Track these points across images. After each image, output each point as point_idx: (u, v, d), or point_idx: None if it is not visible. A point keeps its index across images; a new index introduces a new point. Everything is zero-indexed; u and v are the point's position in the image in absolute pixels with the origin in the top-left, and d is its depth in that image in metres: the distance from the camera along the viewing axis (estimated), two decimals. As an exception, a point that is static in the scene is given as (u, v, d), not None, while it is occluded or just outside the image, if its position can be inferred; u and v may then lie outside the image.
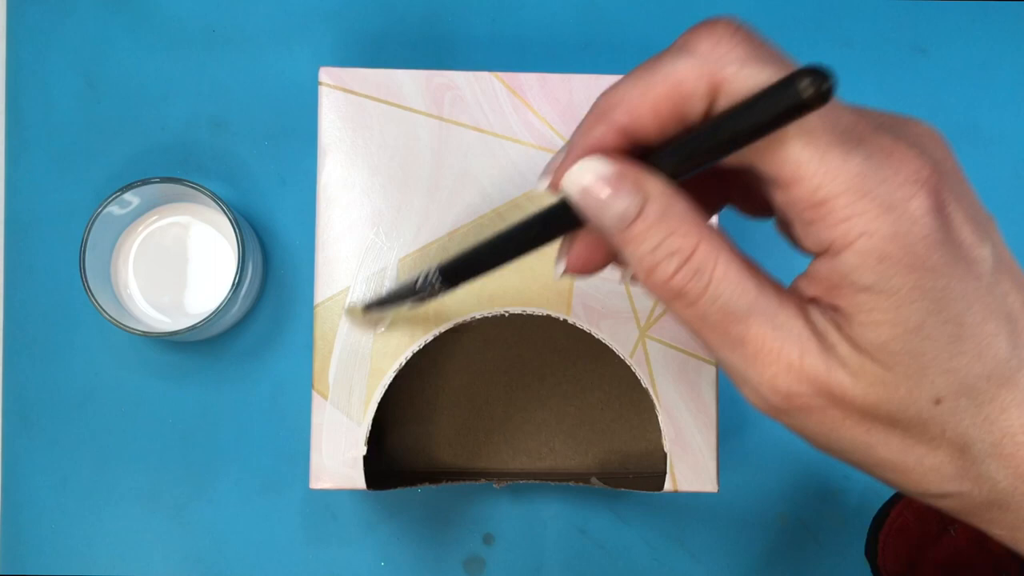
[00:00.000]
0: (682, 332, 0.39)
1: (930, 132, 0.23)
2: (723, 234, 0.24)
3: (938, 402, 0.23)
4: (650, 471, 0.40)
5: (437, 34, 0.48)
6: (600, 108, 0.23)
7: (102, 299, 0.42)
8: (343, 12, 0.48)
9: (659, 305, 0.39)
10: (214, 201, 0.42)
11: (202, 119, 0.48)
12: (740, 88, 0.22)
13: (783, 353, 0.23)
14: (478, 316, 0.38)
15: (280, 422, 0.47)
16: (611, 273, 0.39)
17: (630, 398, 0.45)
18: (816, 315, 0.23)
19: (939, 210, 0.22)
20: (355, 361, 0.38)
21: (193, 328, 0.42)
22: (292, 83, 0.48)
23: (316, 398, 0.38)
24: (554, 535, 0.47)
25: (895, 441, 0.24)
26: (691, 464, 0.38)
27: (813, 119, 0.21)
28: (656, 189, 0.23)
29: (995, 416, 0.23)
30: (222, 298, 0.42)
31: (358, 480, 0.38)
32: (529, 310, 0.38)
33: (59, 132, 0.48)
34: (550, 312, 0.38)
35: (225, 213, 0.42)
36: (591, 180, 0.23)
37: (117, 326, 0.42)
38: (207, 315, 0.42)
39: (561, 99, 0.39)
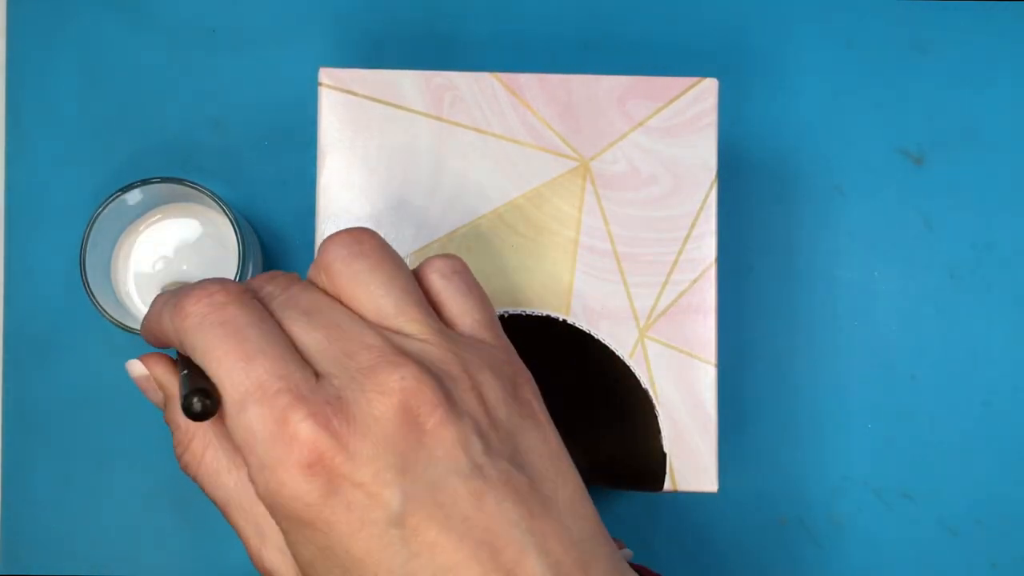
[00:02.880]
0: (682, 333, 0.39)
1: (390, 388, 0.25)
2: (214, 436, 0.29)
3: None
4: (650, 471, 0.40)
5: (437, 35, 0.48)
6: (151, 312, 0.30)
7: (102, 299, 0.42)
8: (343, 12, 0.48)
9: (659, 305, 0.39)
10: (214, 201, 0.42)
11: (202, 119, 0.48)
12: (187, 352, 0.28)
13: (251, 541, 0.29)
14: (478, 316, 0.38)
15: (280, 422, 0.47)
16: (611, 274, 0.39)
17: (630, 398, 0.45)
18: (262, 519, 0.29)
19: (313, 471, 0.24)
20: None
21: (193, 328, 0.42)
22: (292, 83, 0.48)
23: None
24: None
25: None
26: (691, 464, 0.38)
27: None
28: (173, 390, 0.30)
29: None
30: (222, 298, 0.42)
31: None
32: (528, 310, 0.38)
33: (59, 132, 0.48)
34: (549, 312, 0.38)
35: (225, 213, 0.42)
36: (137, 375, 0.31)
37: (117, 326, 0.42)
38: (207, 315, 0.42)
39: (561, 100, 0.39)
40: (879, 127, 0.49)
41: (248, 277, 0.43)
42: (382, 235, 0.38)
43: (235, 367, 0.25)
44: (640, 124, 0.39)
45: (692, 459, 0.38)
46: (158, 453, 0.47)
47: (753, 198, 0.48)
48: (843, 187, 0.49)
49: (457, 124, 0.39)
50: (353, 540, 0.24)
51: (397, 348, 0.26)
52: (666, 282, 0.39)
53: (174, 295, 0.28)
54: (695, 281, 0.39)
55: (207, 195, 0.42)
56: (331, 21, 0.48)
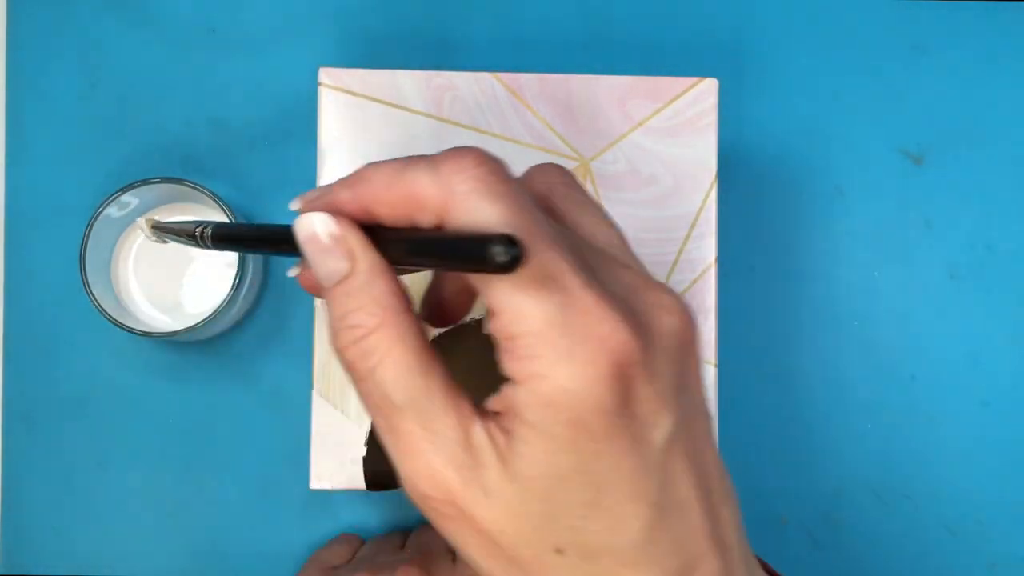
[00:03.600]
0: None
1: (670, 304, 0.24)
2: (415, 323, 0.25)
3: (559, 551, 0.24)
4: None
5: (437, 35, 0.48)
6: (352, 178, 0.25)
7: (102, 299, 0.42)
8: (343, 12, 0.48)
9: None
10: (214, 201, 0.42)
11: (202, 119, 0.48)
12: (460, 216, 0.23)
13: (426, 456, 0.24)
14: (478, 317, 0.38)
15: (280, 422, 0.47)
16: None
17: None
18: (478, 431, 0.24)
19: (618, 380, 0.22)
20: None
21: (193, 328, 0.42)
22: (292, 83, 0.48)
23: (316, 398, 0.38)
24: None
25: (506, 568, 0.25)
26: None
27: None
28: (365, 264, 0.25)
29: None
30: (222, 298, 0.42)
31: (358, 480, 0.38)
32: (529, 310, 0.38)
33: (59, 132, 0.48)
34: (550, 312, 0.38)
35: (225, 213, 0.42)
36: (316, 232, 0.25)
37: (117, 326, 0.42)
38: (207, 315, 0.42)
39: (560, 100, 0.39)
40: (879, 127, 0.49)
41: (248, 277, 0.43)
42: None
43: (536, 244, 0.22)
44: (640, 124, 0.39)
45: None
46: (158, 453, 0.47)
47: (753, 198, 0.48)
48: (843, 187, 0.49)
49: (457, 124, 0.39)
50: (623, 458, 0.23)
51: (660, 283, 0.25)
52: (666, 282, 0.39)
53: (426, 157, 0.24)
54: (695, 281, 0.39)
55: (207, 195, 0.42)
56: (331, 21, 0.48)
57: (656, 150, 0.39)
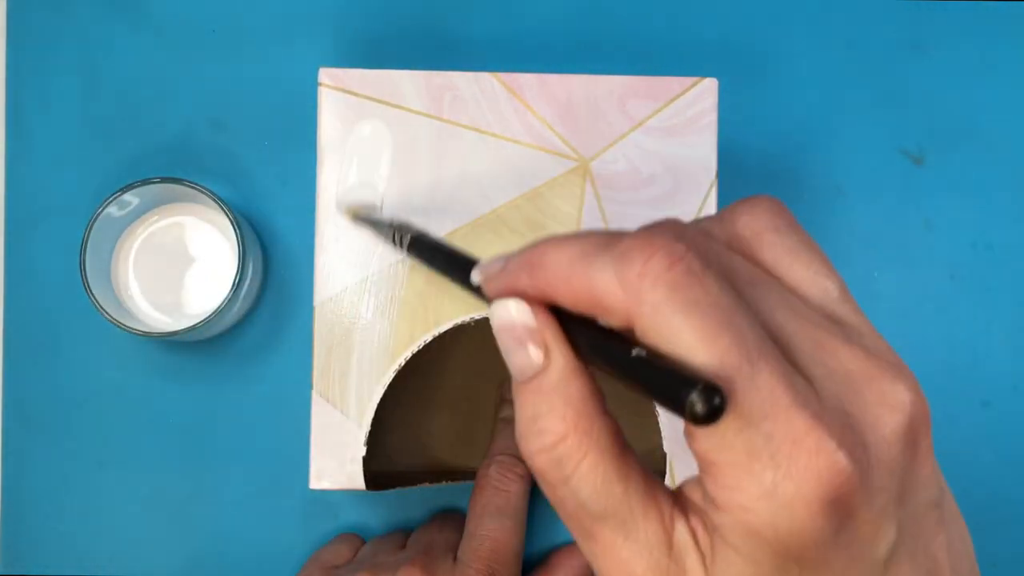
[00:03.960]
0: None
1: (894, 400, 0.22)
2: (610, 425, 0.23)
3: None
4: (650, 471, 0.40)
5: (436, 35, 0.48)
6: (530, 260, 0.23)
7: (102, 299, 0.42)
8: (343, 12, 0.48)
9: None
10: (214, 201, 0.42)
11: (202, 119, 0.48)
12: (651, 334, 0.21)
13: (629, 564, 0.23)
14: (478, 316, 0.38)
15: (280, 422, 0.47)
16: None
17: (629, 398, 0.45)
18: (680, 533, 0.23)
19: (832, 512, 0.20)
20: (355, 361, 0.38)
21: (193, 328, 0.42)
22: (292, 83, 0.48)
23: (316, 398, 0.38)
24: (553, 537, 0.47)
25: None
26: (691, 464, 0.38)
27: None
28: (560, 362, 0.23)
29: None
30: (222, 298, 0.42)
31: (358, 480, 0.38)
32: (529, 310, 0.38)
33: (59, 132, 0.48)
34: (550, 312, 0.38)
35: (225, 213, 0.42)
36: (511, 322, 0.23)
37: (117, 326, 0.42)
38: (207, 315, 0.42)
39: (560, 99, 0.39)
40: (879, 127, 0.49)
41: (248, 277, 0.43)
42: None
43: (739, 367, 0.20)
44: (640, 124, 0.39)
45: (692, 459, 0.38)
46: (158, 453, 0.47)
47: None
48: (843, 187, 0.49)
49: (457, 124, 0.39)
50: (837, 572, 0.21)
51: (883, 351, 0.23)
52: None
53: (613, 241, 0.22)
54: (695, 281, 0.39)
55: (207, 195, 0.42)
56: (331, 21, 0.48)
57: (656, 150, 0.39)
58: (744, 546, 0.21)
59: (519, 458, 0.42)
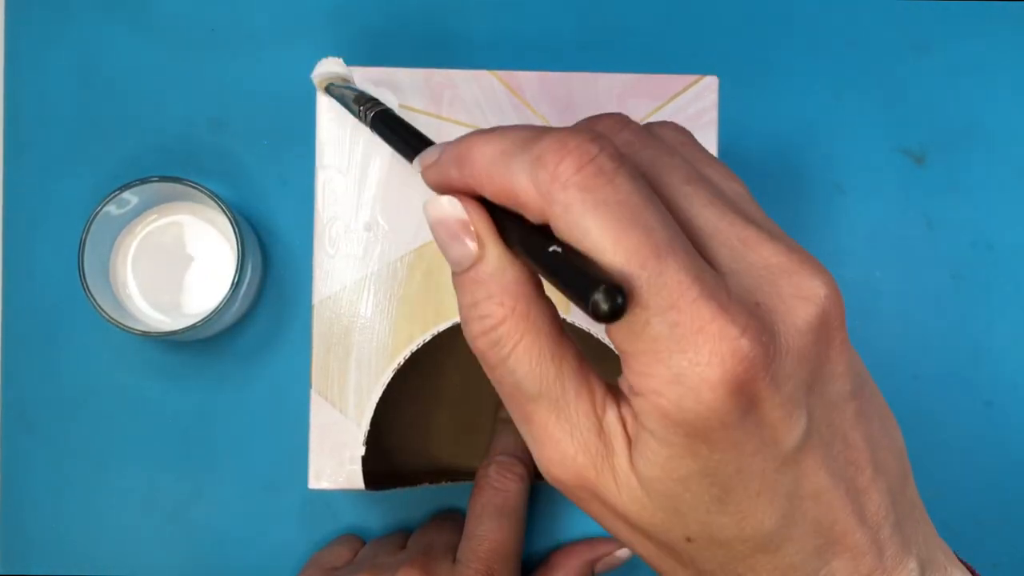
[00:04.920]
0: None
1: (808, 291, 0.23)
2: (547, 309, 0.24)
3: (689, 540, 0.24)
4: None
5: (436, 33, 0.48)
6: (459, 154, 0.24)
7: (101, 299, 0.42)
8: (343, 11, 0.48)
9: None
10: (213, 200, 0.42)
11: (201, 118, 0.48)
12: (562, 230, 0.22)
13: (560, 444, 0.24)
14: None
15: (280, 422, 0.47)
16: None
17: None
18: (610, 419, 0.24)
19: (738, 396, 0.21)
20: (354, 361, 0.38)
21: (192, 328, 0.42)
22: (292, 83, 0.48)
23: (315, 398, 0.38)
24: (552, 537, 0.47)
25: (649, 547, 0.25)
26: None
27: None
28: (493, 252, 0.24)
29: (743, 572, 0.24)
30: (221, 298, 0.42)
31: (357, 480, 0.38)
32: (528, 309, 0.38)
33: (57, 131, 0.47)
34: (549, 311, 0.38)
35: (224, 213, 0.42)
36: (445, 216, 0.24)
37: (116, 326, 0.42)
38: (206, 315, 0.42)
39: (560, 98, 0.39)
40: (880, 126, 0.49)
41: (247, 277, 0.43)
42: (380, 235, 0.38)
43: (644, 263, 0.21)
44: (640, 122, 0.39)
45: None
46: (157, 453, 0.47)
47: (753, 197, 0.48)
48: (844, 186, 0.49)
49: (456, 122, 0.39)
50: (749, 461, 0.22)
51: (801, 250, 0.23)
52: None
53: (530, 141, 0.23)
54: (695, 280, 0.39)
55: (206, 195, 0.42)
56: (331, 20, 0.48)
57: (656, 148, 0.39)
58: (659, 429, 0.22)
59: (519, 458, 0.42)
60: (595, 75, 0.39)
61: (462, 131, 0.38)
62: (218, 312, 0.42)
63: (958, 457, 0.48)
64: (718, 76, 0.39)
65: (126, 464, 0.47)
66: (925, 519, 0.26)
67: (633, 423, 0.23)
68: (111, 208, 0.43)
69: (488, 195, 0.24)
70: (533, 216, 0.23)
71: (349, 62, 0.40)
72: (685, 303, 0.21)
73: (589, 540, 0.46)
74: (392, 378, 0.38)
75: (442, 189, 0.25)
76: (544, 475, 0.25)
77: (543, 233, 0.23)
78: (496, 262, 0.24)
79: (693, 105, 0.39)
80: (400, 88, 0.39)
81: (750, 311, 0.22)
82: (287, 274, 0.47)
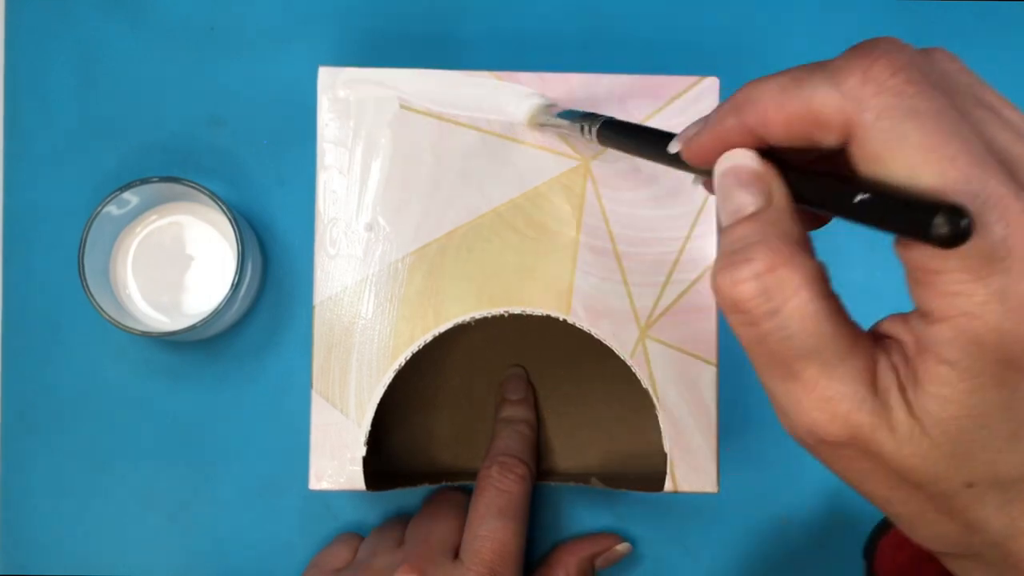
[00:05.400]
0: (682, 332, 0.39)
1: None
2: (822, 271, 0.23)
3: (970, 485, 0.23)
4: (650, 471, 0.40)
5: (436, 34, 0.48)
6: (737, 101, 0.24)
7: (101, 299, 0.42)
8: (342, 12, 0.48)
9: (660, 305, 0.39)
10: (213, 201, 0.42)
11: (201, 118, 0.48)
12: (877, 145, 0.21)
13: (832, 403, 0.23)
14: (478, 316, 0.38)
15: (280, 422, 0.47)
16: (612, 273, 0.39)
17: (630, 398, 0.45)
18: (884, 370, 0.23)
19: None
20: (355, 362, 0.38)
21: (192, 328, 0.42)
22: (292, 83, 0.48)
23: (316, 398, 0.38)
24: (553, 536, 0.47)
25: (915, 502, 0.24)
26: (691, 464, 0.38)
27: None
28: (781, 201, 0.23)
29: (1017, 515, 0.23)
30: (221, 298, 0.42)
31: (358, 480, 0.38)
32: (529, 310, 0.38)
33: (57, 131, 0.47)
34: (550, 312, 0.38)
35: (224, 213, 0.42)
36: (739, 164, 0.23)
37: (116, 326, 0.42)
38: (206, 315, 0.42)
39: (561, 98, 0.39)
40: (879, 127, 0.49)
41: (247, 277, 0.43)
42: (381, 235, 0.38)
43: (969, 175, 0.20)
44: (640, 123, 0.39)
45: (692, 459, 0.38)
46: (158, 453, 0.47)
47: None
48: (843, 187, 0.49)
49: (456, 123, 0.39)
50: None
51: None
52: (667, 282, 0.39)
53: (819, 65, 0.22)
54: (696, 281, 0.39)
55: (207, 195, 0.42)
56: (331, 21, 0.48)
57: (656, 149, 0.39)
58: (964, 358, 0.21)
59: (520, 459, 0.42)
60: (595, 76, 0.39)
61: (462, 132, 0.39)
62: (218, 312, 0.42)
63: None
64: (718, 77, 0.39)
65: (126, 464, 0.47)
66: None
67: (907, 371, 0.22)
68: (111, 208, 0.43)
69: (777, 130, 0.23)
70: (833, 137, 0.22)
71: (349, 62, 0.41)
72: (1011, 217, 0.20)
73: (590, 535, 0.46)
74: (393, 379, 0.38)
75: (716, 151, 0.24)
76: (803, 436, 0.24)
77: (839, 184, 0.22)
78: (780, 211, 0.23)
79: (694, 106, 0.39)
80: (400, 88, 0.39)
81: None
82: (287, 274, 0.47)
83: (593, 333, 0.38)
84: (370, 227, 0.38)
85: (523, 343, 0.46)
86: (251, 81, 0.48)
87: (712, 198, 0.39)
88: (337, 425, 0.38)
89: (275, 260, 0.47)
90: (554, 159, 0.39)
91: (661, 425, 0.38)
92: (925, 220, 0.19)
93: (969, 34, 0.49)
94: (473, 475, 0.42)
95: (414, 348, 0.38)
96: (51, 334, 0.47)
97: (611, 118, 0.33)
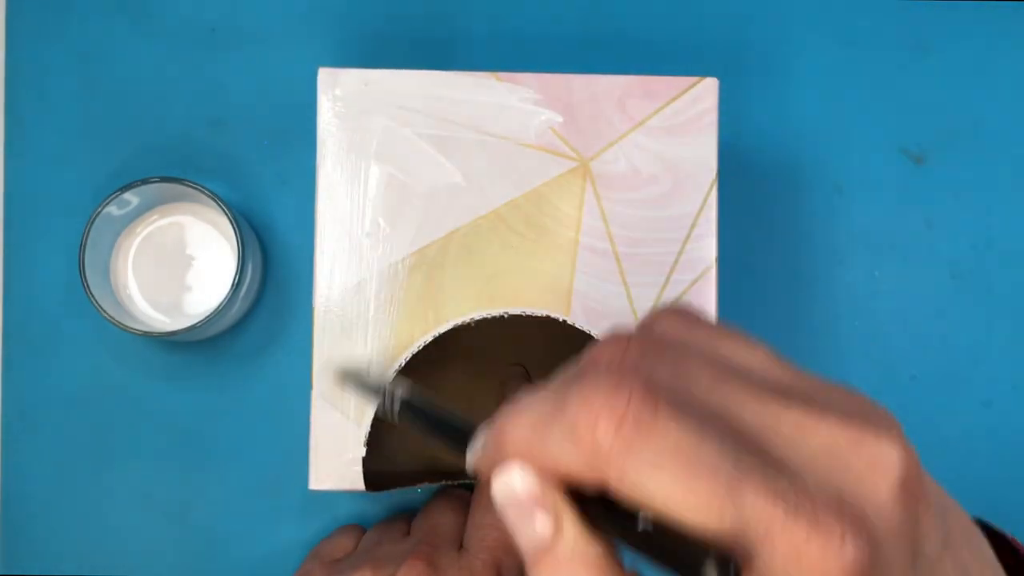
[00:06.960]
0: (682, 332, 0.39)
1: (884, 459, 0.21)
2: None
3: None
4: None
5: (436, 35, 0.48)
6: (500, 437, 0.23)
7: (101, 299, 0.42)
8: (343, 12, 0.48)
9: (659, 305, 0.39)
10: (213, 201, 0.42)
11: (202, 119, 0.48)
12: (628, 491, 0.20)
13: None
14: (478, 316, 0.38)
15: (280, 422, 0.47)
16: (611, 274, 0.39)
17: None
18: None
19: None
20: (355, 362, 0.38)
21: (192, 328, 0.42)
22: (292, 83, 0.48)
23: (316, 398, 0.38)
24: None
25: None
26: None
27: None
28: (572, 530, 0.22)
29: None
30: (222, 298, 0.42)
31: (358, 481, 0.38)
32: (529, 310, 0.38)
33: (58, 131, 0.47)
34: (550, 312, 0.38)
35: (225, 213, 0.42)
36: (514, 494, 0.22)
37: (116, 326, 0.42)
38: (207, 315, 0.42)
39: (561, 99, 0.39)
40: (879, 127, 0.49)
41: (248, 277, 0.43)
42: (381, 235, 0.38)
43: (723, 511, 0.20)
44: (640, 124, 0.39)
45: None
46: (158, 453, 0.47)
47: (753, 198, 0.48)
48: (843, 187, 0.49)
49: (457, 124, 0.39)
50: None
51: (852, 404, 0.22)
52: (666, 282, 0.39)
53: (558, 410, 0.21)
54: (695, 281, 0.39)
55: (207, 195, 0.42)
56: (331, 21, 0.48)
57: (656, 150, 0.39)
58: None
59: None
60: (595, 76, 0.39)
61: (463, 132, 0.39)
62: (218, 312, 0.42)
63: (956, 457, 0.48)
64: (718, 78, 0.39)
65: (126, 464, 0.47)
66: None
67: None
68: (112, 208, 0.43)
69: (542, 476, 0.22)
70: (593, 489, 0.21)
71: (349, 64, 0.41)
72: (775, 530, 0.20)
73: None
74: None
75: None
76: None
77: (620, 509, 0.21)
78: (575, 541, 0.22)
79: (693, 107, 0.39)
80: (400, 89, 0.39)
81: (839, 508, 0.20)
82: (287, 274, 0.47)
83: (593, 333, 0.38)
84: (370, 228, 0.38)
85: (523, 343, 0.46)
86: (251, 82, 0.48)
87: (712, 198, 0.39)
88: (337, 425, 0.38)
89: (275, 260, 0.47)
90: (554, 159, 0.39)
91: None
92: (697, 564, 0.19)
93: (969, 34, 0.49)
94: (473, 475, 0.42)
95: (414, 348, 0.38)
96: (52, 334, 0.47)
97: (412, 398, 0.29)
